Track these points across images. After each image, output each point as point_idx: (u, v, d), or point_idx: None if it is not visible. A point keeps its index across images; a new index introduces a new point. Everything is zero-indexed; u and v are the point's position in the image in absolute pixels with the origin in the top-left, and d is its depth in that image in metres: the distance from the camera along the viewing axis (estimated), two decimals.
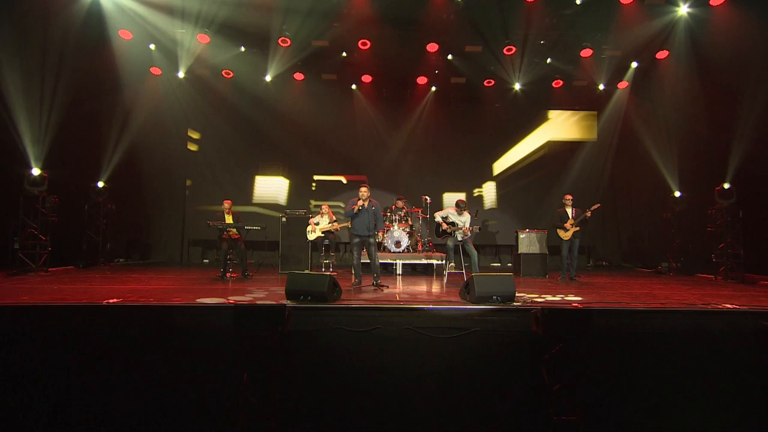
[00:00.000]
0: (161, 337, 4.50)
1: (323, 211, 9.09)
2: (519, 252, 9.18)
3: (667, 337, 4.46)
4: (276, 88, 11.72)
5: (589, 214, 8.01)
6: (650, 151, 10.84)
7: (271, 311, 4.62)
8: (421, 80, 11.97)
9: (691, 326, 4.53)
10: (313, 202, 12.29)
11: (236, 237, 7.93)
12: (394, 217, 9.83)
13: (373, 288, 6.66)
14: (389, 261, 9.31)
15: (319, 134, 12.07)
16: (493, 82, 11.83)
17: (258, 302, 5.24)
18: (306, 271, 7.70)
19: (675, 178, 10.26)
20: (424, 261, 9.36)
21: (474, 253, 7.79)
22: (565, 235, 8.25)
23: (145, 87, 11.15)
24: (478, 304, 5.10)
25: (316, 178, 12.44)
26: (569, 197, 8.39)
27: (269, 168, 12.33)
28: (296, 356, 4.52)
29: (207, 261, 11.81)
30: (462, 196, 12.25)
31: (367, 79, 11.87)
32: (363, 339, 4.65)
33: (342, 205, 11.94)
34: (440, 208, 11.22)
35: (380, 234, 7.93)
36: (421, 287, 7.14)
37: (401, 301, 5.54)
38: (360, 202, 6.73)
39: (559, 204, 8.66)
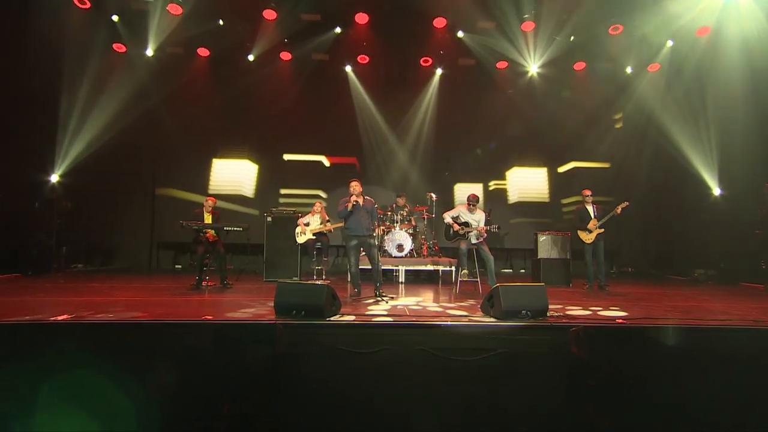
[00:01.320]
0: (123, 362, 4.06)
1: (315, 209, 8.81)
2: (538, 257, 8.90)
3: (737, 360, 4.09)
4: (260, 69, 11.47)
5: (619, 210, 7.63)
6: (683, 143, 10.57)
7: (258, 330, 4.30)
8: (425, 62, 11.76)
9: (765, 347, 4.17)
10: (282, 191, 11.87)
11: (214, 239, 7.62)
12: (395, 217, 9.51)
13: (374, 299, 6.38)
14: (390, 267, 9.03)
15: (307, 122, 11.83)
16: (506, 64, 11.58)
17: (243, 319, 4.85)
18: (296, 280, 7.32)
19: (714, 173, 10.02)
20: (430, 267, 9.05)
21: (490, 258, 7.44)
22: (587, 238, 7.97)
23: (108, 66, 10.71)
24: (505, 320, 4.75)
25: (287, 158, 11.98)
26: (588, 193, 8.10)
27: (232, 150, 11.91)
28: (288, 383, 4.18)
29: (180, 267, 11.59)
30: (477, 188, 11.95)
31: (363, 59, 11.66)
32: (368, 362, 4.32)
33: (323, 195, 11.63)
34: (450, 205, 10.94)
35: (376, 230, 7.59)
36: (430, 298, 6.83)
37: (412, 316, 5.17)
38: (353, 198, 6.48)
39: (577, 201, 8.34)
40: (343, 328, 4.63)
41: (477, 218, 7.56)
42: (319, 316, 4.71)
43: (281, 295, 4.88)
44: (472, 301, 6.38)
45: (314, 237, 8.61)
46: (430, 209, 9.98)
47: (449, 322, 4.69)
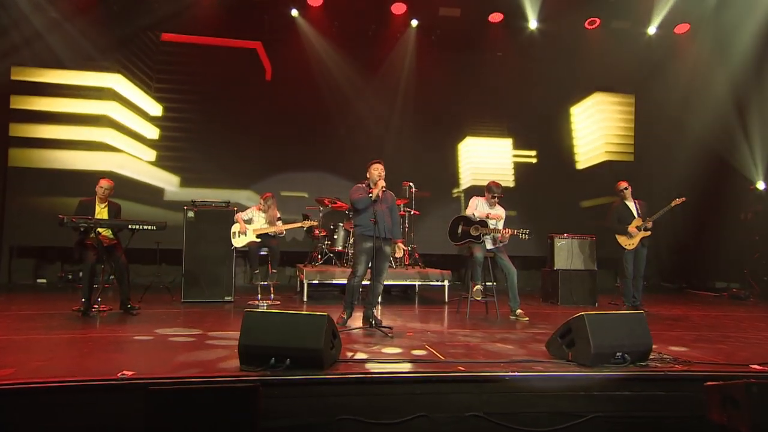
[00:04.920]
0: None
1: (268, 203, 8.12)
2: (555, 268, 8.67)
3: None
4: (167, 9, 10.41)
5: (673, 204, 7.56)
6: (713, 125, 10.58)
7: (227, 395, 3.16)
8: (398, 8, 11.26)
9: None
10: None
11: (111, 243, 6.75)
12: None
13: (365, 330, 5.73)
14: (365, 281, 8.20)
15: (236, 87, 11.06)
16: (501, 16, 11.36)
17: (193, 375, 3.74)
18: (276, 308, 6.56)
19: (757, 163, 10.10)
20: (417, 282, 8.66)
21: (513, 270, 7.01)
22: (629, 243, 7.76)
23: None
24: (596, 367, 4.01)
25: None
26: (624, 185, 7.92)
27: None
28: None
29: (44, 282, 10.52)
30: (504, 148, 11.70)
31: (315, 1, 11.01)
32: None
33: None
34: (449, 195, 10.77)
35: (399, 244, 6.69)
36: (446, 329, 6.23)
37: (456, 363, 4.25)
38: (381, 184, 5.98)
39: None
40: (353, 385, 3.78)
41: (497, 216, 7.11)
42: (315, 366, 3.82)
43: (252, 332, 3.90)
44: (511, 333, 5.73)
45: (258, 240, 7.88)
46: (410, 203, 9.53)
47: (516, 373, 3.89)
